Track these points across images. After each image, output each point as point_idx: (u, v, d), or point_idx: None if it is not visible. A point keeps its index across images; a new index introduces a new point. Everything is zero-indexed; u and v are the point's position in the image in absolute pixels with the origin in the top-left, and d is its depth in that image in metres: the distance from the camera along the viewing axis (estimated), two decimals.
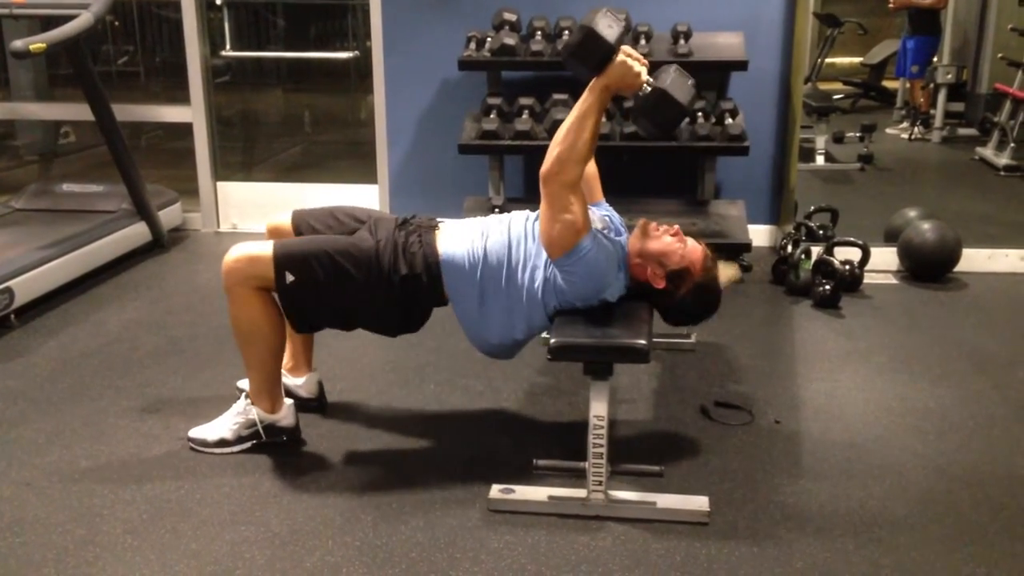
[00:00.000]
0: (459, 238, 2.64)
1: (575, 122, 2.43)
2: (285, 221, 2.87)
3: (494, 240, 2.61)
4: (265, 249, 2.58)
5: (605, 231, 2.64)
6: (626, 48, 2.41)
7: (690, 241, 2.62)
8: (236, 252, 2.60)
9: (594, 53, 2.38)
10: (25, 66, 5.77)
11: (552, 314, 2.58)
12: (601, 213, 2.77)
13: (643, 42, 4.35)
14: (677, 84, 2.43)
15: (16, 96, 5.86)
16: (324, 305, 2.62)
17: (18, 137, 6.28)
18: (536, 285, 2.55)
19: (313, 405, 3.00)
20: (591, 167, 2.80)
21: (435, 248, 2.62)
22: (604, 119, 4.27)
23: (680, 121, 2.66)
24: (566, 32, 4.39)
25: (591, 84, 2.43)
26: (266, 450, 2.73)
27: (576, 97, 4.35)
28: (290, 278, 2.54)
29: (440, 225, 2.72)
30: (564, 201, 2.44)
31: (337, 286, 2.57)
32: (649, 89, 2.42)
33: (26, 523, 2.39)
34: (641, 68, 2.42)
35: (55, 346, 3.57)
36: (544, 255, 2.55)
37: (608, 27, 2.36)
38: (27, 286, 3.82)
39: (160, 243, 4.82)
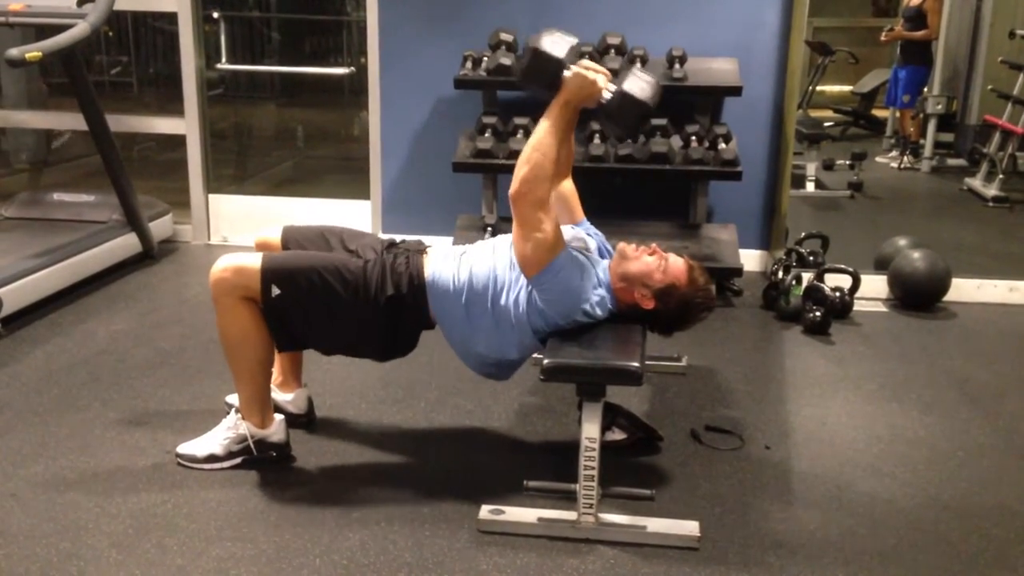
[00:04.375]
0: (446, 262, 2.65)
1: (538, 141, 2.46)
2: (274, 237, 2.86)
3: (479, 265, 2.62)
4: (253, 261, 2.56)
5: (583, 251, 2.67)
6: (582, 61, 2.48)
7: (671, 256, 2.63)
8: (224, 263, 2.58)
9: (544, 71, 2.45)
10: (17, 75, 5.74)
11: (544, 336, 2.57)
12: (582, 232, 2.78)
13: (638, 65, 4.36)
14: (637, 83, 2.47)
15: (7, 104, 5.84)
16: (309, 322, 2.60)
17: (7, 145, 6.25)
18: (521, 309, 2.56)
19: (302, 421, 2.98)
20: (568, 185, 2.83)
21: (421, 270, 2.62)
22: (598, 141, 4.31)
23: (644, 119, 2.71)
24: None
25: (552, 102, 2.48)
26: (254, 466, 2.71)
27: None
28: (276, 291, 2.53)
29: (428, 249, 2.73)
30: (534, 220, 2.45)
31: (323, 303, 2.56)
32: (610, 95, 2.45)
33: (10, 535, 2.36)
34: (597, 76, 2.47)
35: (42, 356, 3.54)
36: (522, 276, 2.56)
37: (553, 44, 2.45)
38: (15, 295, 3.79)
39: (150, 254, 4.80)
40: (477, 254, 2.67)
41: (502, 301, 2.57)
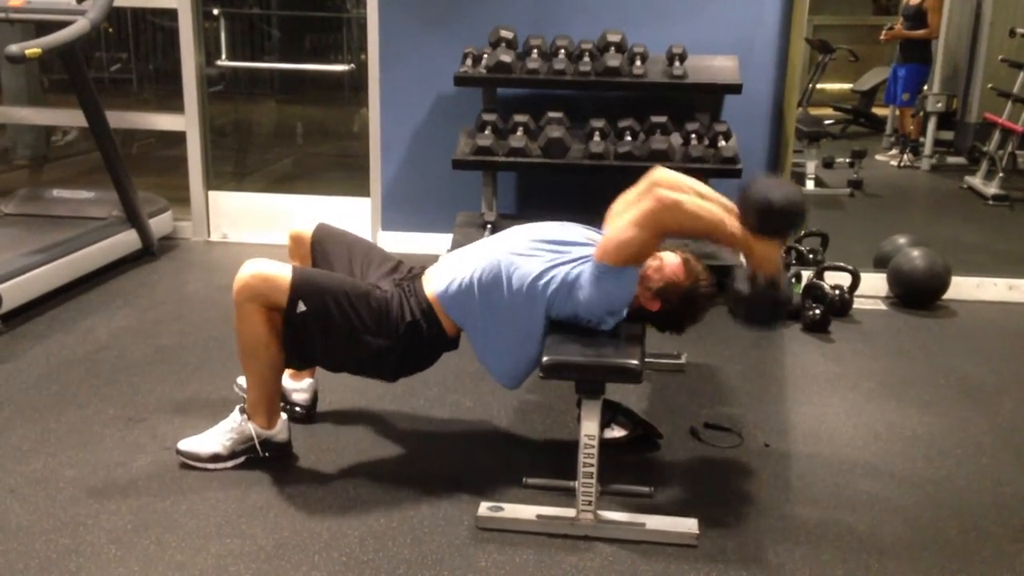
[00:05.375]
0: (447, 273, 2.66)
1: (713, 217, 2.45)
2: (307, 231, 2.87)
3: (487, 261, 2.62)
4: (283, 273, 2.54)
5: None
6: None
7: (666, 254, 2.64)
8: (253, 268, 2.55)
9: (780, 224, 2.46)
10: (17, 71, 5.74)
11: (553, 320, 2.58)
12: None
13: (638, 63, 4.37)
14: (783, 292, 2.52)
15: (8, 100, 5.84)
16: (327, 342, 2.58)
17: (7, 141, 6.25)
18: (551, 287, 2.55)
19: (300, 414, 2.98)
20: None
21: (424, 293, 2.64)
22: (598, 139, 4.31)
23: (770, 323, 2.80)
24: (561, 51, 4.40)
25: (745, 231, 2.46)
26: (253, 463, 2.71)
27: (570, 116, 4.41)
28: (302, 308, 2.52)
29: (426, 271, 2.75)
30: (650, 228, 2.44)
31: (345, 328, 2.55)
32: (767, 285, 2.48)
33: (9, 531, 2.37)
34: (781, 267, 2.50)
35: (42, 352, 3.54)
36: (572, 258, 2.57)
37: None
38: (15, 291, 3.79)
39: (150, 251, 4.79)
40: (481, 252, 2.68)
41: (518, 289, 2.57)
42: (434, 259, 2.81)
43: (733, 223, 2.46)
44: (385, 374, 2.73)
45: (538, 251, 2.62)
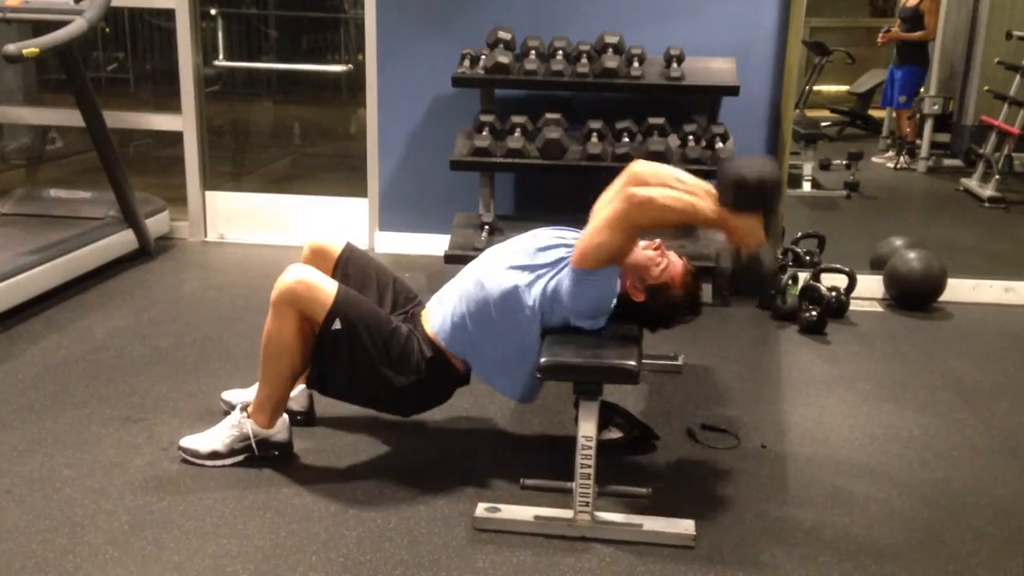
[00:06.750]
0: (439, 309, 2.70)
1: (689, 204, 2.43)
2: (335, 247, 2.86)
3: (467, 288, 2.66)
4: (330, 286, 2.55)
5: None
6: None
7: (672, 256, 2.65)
8: (298, 274, 2.56)
9: (755, 200, 2.42)
10: (14, 70, 5.74)
11: (546, 328, 2.60)
12: None
13: (636, 64, 4.37)
14: (768, 261, 2.52)
15: (3, 100, 5.83)
16: (350, 368, 2.58)
17: (3, 140, 6.24)
18: (533, 295, 2.58)
19: (300, 419, 2.98)
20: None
21: (425, 331, 2.68)
22: (596, 140, 4.31)
23: (756, 290, 2.75)
24: (559, 52, 4.41)
25: (723, 209, 2.44)
26: (251, 463, 2.71)
27: (568, 117, 4.41)
28: (338, 326, 2.52)
29: (421, 306, 2.79)
30: (622, 226, 2.44)
31: (371, 357, 2.56)
32: (751, 255, 2.48)
33: (5, 531, 2.36)
34: (760, 238, 2.47)
35: (38, 352, 3.54)
36: (551, 267, 2.58)
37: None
38: (11, 291, 3.79)
39: (147, 251, 4.79)
40: (461, 281, 2.72)
41: (506, 303, 2.59)
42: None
43: (708, 206, 2.44)
44: (402, 410, 2.79)
45: (516, 267, 2.63)
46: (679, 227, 2.49)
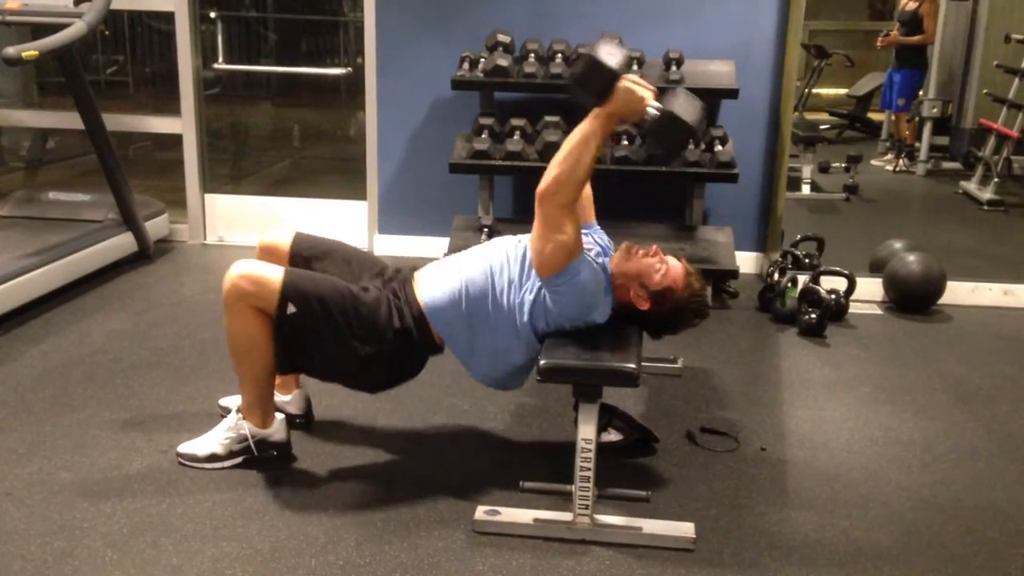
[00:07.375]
0: (437, 280, 2.66)
1: (576, 145, 2.42)
2: (283, 242, 2.82)
3: (474, 272, 2.63)
4: (273, 275, 2.53)
5: (596, 256, 2.66)
6: (631, 76, 2.43)
7: (671, 260, 2.65)
8: (241, 270, 2.54)
9: (597, 81, 2.40)
10: (14, 74, 5.74)
11: (542, 335, 2.58)
12: (594, 237, 2.78)
13: (635, 67, 4.37)
14: (685, 106, 2.45)
15: (2, 103, 5.83)
16: (317, 346, 2.57)
17: (2, 143, 6.24)
18: (526, 309, 2.57)
19: (299, 422, 2.98)
20: (587, 189, 2.81)
21: (416, 297, 2.63)
22: None
23: (688, 141, 2.70)
24: (559, 55, 4.41)
25: (595, 111, 2.43)
26: (250, 465, 2.71)
27: (568, 119, 4.42)
28: (292, 310, 2.51)
29: (416, 273, 2.73)
30: (558, 222, 2.44)
31: (334, 332, 2.54)
32: (656, 114, 2.43)
33: (4, 534, 2.36)
34: (646, 93, 2.42)
35: (37, 355, 3.53)
36: (532, 276, 2.56)
37: (610, 55, 2.39)
38: (10, 294, 3.79)
39: (146, 254, 4.78)
40: (469, 262, 2.67)
41: (503, 303, 2.59)
42: (429, 262, 2.81)
43: (588, 124, 2.42)
44: (371, 384, 2.72)
45: (519, 270, 2.61)
46: (595, 164, 2.44)
